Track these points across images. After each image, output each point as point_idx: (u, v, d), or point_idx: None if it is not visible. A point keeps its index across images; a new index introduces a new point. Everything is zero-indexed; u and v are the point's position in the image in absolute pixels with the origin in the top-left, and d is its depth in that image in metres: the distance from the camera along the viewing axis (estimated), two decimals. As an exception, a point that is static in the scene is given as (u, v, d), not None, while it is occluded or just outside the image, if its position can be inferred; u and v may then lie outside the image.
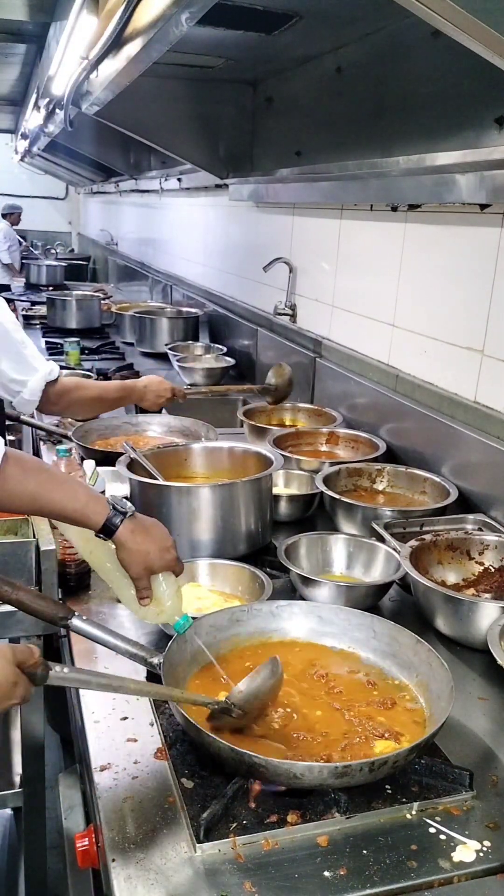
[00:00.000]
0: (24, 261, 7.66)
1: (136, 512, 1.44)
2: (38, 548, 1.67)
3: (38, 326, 5.15)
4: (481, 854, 1.08)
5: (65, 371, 3.54)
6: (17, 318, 5.40)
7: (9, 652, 1.08)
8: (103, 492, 1.82)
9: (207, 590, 1.71)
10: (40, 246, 9.20)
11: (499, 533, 1.84)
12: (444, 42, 1.71)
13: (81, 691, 1.42)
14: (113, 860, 1.05)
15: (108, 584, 1.52)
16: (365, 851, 1.07)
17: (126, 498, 1.62)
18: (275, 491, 2.10)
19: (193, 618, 1.44)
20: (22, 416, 2.83)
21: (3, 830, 2.09)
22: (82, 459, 2.34)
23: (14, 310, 5.74)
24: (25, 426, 2.98)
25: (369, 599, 1.70)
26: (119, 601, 1.60)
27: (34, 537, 1.70)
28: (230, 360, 3.77)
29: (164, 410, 2.98)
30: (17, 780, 1.82)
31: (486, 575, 1.77)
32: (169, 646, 1.32)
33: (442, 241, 2.24)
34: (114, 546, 1.43)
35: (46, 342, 4.57)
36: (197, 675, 1.38)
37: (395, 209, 2.44)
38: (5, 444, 1.40)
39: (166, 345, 4.09)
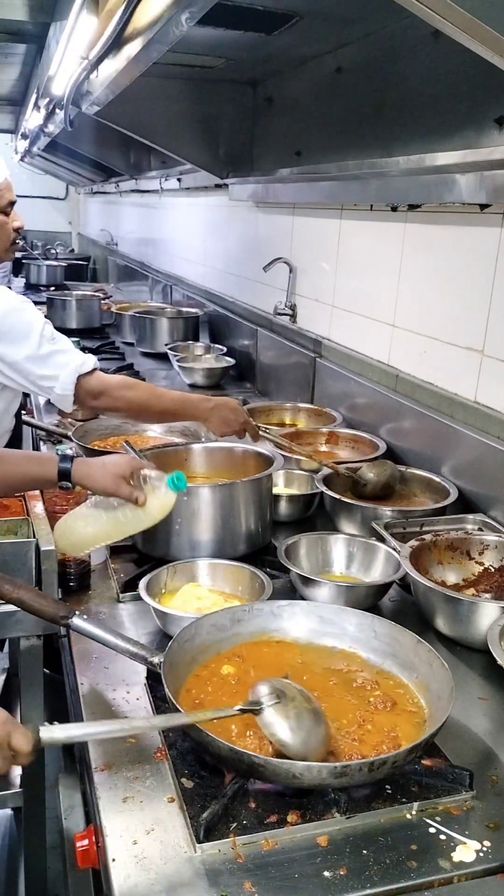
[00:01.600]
0: (23, 261, 7.62)
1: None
2: (38, 548, 1.67)
3: (38, 326, 5.13)
4: (481, 854, 1.08)
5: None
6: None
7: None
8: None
9: (207, 590, 1.70)
10: (40, 246, 9.18)
11: (499, 533, 1.84)
12: (444, 42, 1.71)
13: (81, 690, 1.42)
14: (113, 860, 1.05)
15: (122, 535, 1.68)
16: (365, 851, 1.07)
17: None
18: (275, 491, 2.10)
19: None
20: (23, 415, 2.83)
21: (3, 830, 2.10)
22: (82, 459, 2.33)
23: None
24: (25, 425, 2.98)
25: (369, 599, 1.70)
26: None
27: (34, 537, 1.70)
28: (230, 361, 3.77)
29: None
30: (17, 780, 1.82)
31: (486, 575, 1.77)
32: (169, 646, 1.32)
33: (442, 241, 2.24)
34: (79, 487, 1.65)
35: (46, 342, 4.56)
36: (197, 675, 1.38)
37: (394, 209, 2.44)
38: None
39: (166, 345, 4.10)
